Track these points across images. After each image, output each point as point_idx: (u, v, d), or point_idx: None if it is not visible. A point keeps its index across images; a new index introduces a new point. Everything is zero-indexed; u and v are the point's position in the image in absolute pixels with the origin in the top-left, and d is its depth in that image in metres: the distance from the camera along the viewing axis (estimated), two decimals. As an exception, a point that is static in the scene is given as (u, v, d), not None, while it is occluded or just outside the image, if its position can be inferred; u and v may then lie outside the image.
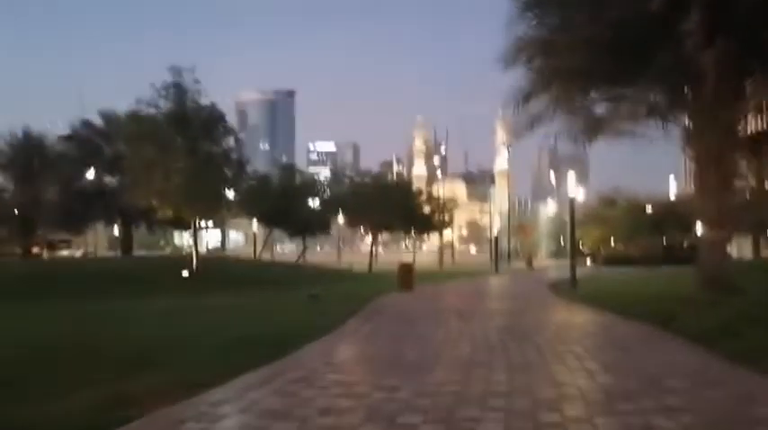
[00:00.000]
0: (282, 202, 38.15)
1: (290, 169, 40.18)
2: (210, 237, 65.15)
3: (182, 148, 23.78)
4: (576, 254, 22.12)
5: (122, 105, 31.06)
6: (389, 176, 43.35)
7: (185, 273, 24.74)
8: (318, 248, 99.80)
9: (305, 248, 44.67)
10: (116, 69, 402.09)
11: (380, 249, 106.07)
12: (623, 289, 21.14)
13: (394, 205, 39.95)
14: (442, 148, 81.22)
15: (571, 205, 20.98)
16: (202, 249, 64.41)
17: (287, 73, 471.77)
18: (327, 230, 44.82)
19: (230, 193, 38.63)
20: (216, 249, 61.17)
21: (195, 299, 19.44)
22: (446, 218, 47.27)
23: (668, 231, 71.26)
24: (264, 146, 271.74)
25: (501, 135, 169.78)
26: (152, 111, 23.82)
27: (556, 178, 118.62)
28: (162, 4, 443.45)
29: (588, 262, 68.22)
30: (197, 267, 25.31)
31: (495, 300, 18.72)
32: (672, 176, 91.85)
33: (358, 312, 14.21)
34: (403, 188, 42.70)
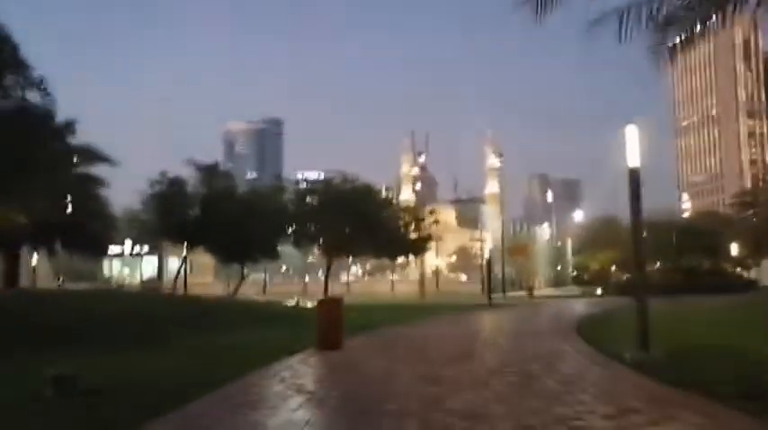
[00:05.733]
0: (199, 215, 27.87)
1: (211, 171, 29.66)
2: (147, 266, 54.56)
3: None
4: (643, 281, 11.89)
5: None
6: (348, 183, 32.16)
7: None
8: (298, 279, 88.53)
9: (241, 280, 34.02)
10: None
11: (358, 278, 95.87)
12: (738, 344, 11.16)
13: (353, 219, 29.61)
14: (422, 157, 72.41)
15: (633, 180, 10.88)
16: (135, 280, 54.02)
17: (275, 102, 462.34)
18: (273, 255, 34.28)
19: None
20: (151, 280, 50.42)
21: None
22: (425, 235, 36.67)
23: (689, 254, 61.31)
24: (252, 175, 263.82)
25: (490, 158, 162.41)
26: None
27: (554, 200, 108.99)
28: (151, 29, 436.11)
29: (598, 291, 58.16)
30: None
31: (498, 388, 8.46)
32: (685, 194, 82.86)
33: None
34: (364, 195, 32.06)
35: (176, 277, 31.42)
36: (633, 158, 11.11)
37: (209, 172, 29.43)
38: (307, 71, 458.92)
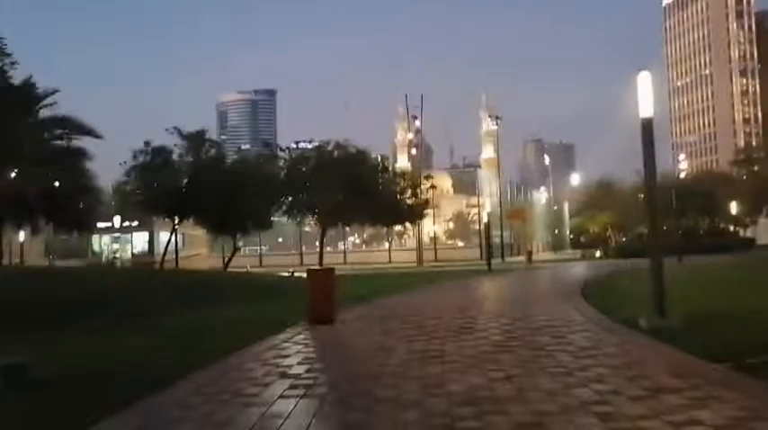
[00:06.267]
0: (186, 186, 26.84)
1: (197, 139, 28.38)
2: (138, 240, 53.48)
3: None
4: (657, 237, 10.91)
5: None
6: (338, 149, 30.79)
7: None
8: (296, 250, 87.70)
9: (234, 252, 33.06)
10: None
11: (356, 247, 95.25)
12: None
13: (346, 185, 28.61)
14: (417, 122, 70.48)
15: (646, 131, 9.93)
16: (127, 255, 52.97)
17: (267, 73, 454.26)
18: (266, 225, 33.29)
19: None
20: (142, 254, 49.26)
21: None
22: (422, 201, 35.65)
23: (687, 214, 60.52)
24: (246, 146, 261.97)
25: (486, 123, 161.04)
26: None
27: (550, 164, 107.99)
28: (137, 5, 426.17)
29: (597, 254, 57.64)
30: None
31: (506, 365, 7.65)
32: (682, 154, 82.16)
33: None
34: (357, 160, 30.95)
35: (165, 251, 30.48)
36: (646, 108, 10.14)
37: (195, 140, 28.24)
38: (297, 41, 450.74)
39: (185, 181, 27.88)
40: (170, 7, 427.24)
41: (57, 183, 26.88)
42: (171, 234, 30.67)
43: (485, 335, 9.59)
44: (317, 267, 13.24)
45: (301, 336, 9.94)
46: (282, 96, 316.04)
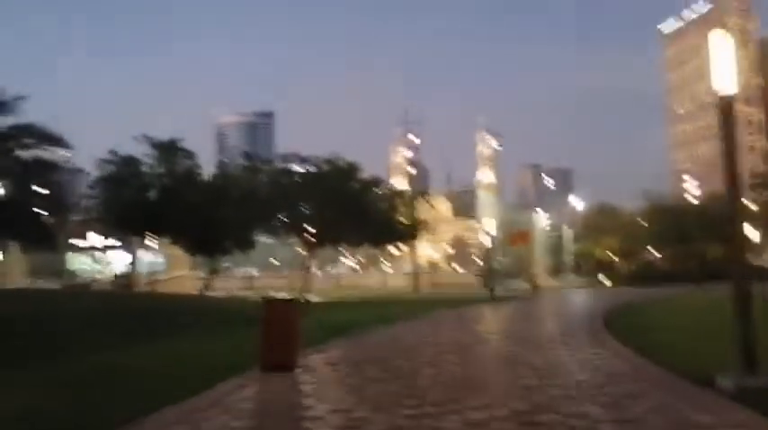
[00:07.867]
0: (158, 200, 24.08)
1: (169, 149, 25.48)
2: (119, 260, 50.20)
3: None
4: (741, 260, 8.17)
5: None
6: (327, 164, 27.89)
7: None
8: (289, 272, 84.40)
9: (213, 273, 30.03)
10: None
11: (350, 271, 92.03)
12: None
13: (335, 202, 25.82)
14: (414, 138, 67.74)
15: (725, 113, 7.20)
16: (106, 275, 49.87)
17: (266, 93, 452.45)
18: (248, 245, 30.43)
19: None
20: (122, 275, 46.16)
21: None
22: (417, 220, 32.79)
23: (699, 240, 57.71)
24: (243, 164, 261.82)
25: (485, 146, 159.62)
26: None
27: (549, 189, 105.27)
28: (130, 24, 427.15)
29: (606, 281, 54.77)
30: None
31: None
32: (687, 176, 79.86)
33: None
34: (347, 175, 28.09)
35: (132, 272, 27.62)
36: (726, 81, 7.38)
37: (167, 150, 25.47)
38: (299, 61, 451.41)
39: (156, 195, 25.12)
40: (169, 27, 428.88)
41: (19, 198, 24.77)
42: (134, 253, 27.81)
43: (502, 399, 6.67)
44: (275, 296, 10.31)
45: (239, 396, 7.00)
46: (280, 119, 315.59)
